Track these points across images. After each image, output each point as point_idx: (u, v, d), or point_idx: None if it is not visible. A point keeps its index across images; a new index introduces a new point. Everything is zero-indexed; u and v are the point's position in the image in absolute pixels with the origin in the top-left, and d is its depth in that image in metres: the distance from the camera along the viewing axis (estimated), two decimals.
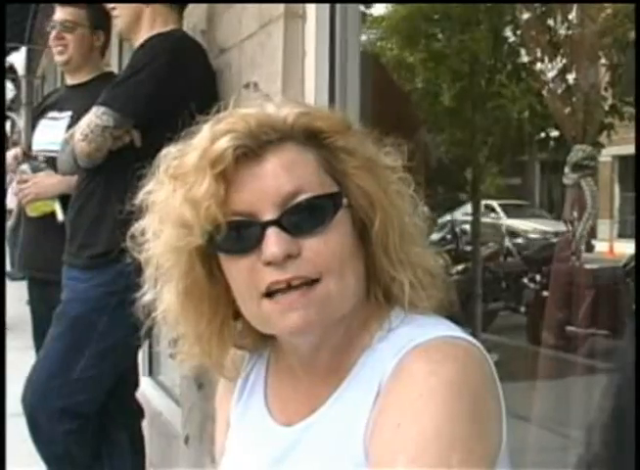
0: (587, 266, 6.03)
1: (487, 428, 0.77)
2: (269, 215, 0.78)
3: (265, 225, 0.78)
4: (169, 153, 0.84)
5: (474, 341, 0.81)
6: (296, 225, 0.78)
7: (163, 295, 0.86)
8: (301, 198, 0.79)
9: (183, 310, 0.86)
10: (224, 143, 0.78)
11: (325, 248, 0.79)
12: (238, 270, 0.81)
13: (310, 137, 0.83)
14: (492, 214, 10.79)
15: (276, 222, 0.78)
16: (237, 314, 0.87)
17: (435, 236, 11.09)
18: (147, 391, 3.58)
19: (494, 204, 11.19)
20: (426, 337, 0.80)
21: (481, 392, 0.78)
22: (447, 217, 9.47)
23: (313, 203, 0.79)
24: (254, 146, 0.80)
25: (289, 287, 0.78)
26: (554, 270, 5.75)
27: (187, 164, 0.81)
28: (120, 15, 2.31)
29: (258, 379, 0.95)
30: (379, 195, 0.83)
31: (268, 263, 0.78)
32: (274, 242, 0.77)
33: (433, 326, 0.82)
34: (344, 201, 0.82)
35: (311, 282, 0.79)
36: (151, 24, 2.26)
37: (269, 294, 0.79)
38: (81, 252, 2.23)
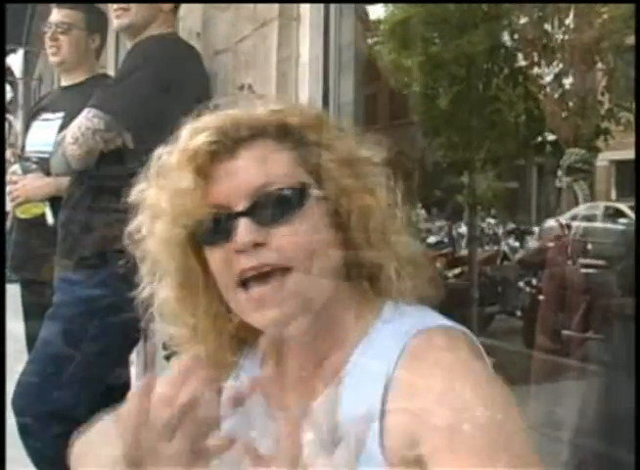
0: (582, 270, 6.04)
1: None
2: (240, 207, 0.84)
3: (236, 216, 0.83)
4: (160, 153, 0.89)
5: (464, 329, 0.87)
6: (264, 215, 0.83)
7: (160, 289, 0.90)
8: (269, 189, 0.84)
9: (179, 304, 0.90)
10: (199, 140, 0.84)
11: (293, 236, 0.83)
12: (216, 260, 0.86)
13: (284, 133, 0.87)
14: (622, 220, 9.21)
15: (245, 213, 0.83)
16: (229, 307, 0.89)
17: (432, 239, 11.10)
18: None
19: (621, 206, 9.68)
20: (424, 325, 0.84)
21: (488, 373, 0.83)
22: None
23: (281, 194, 0.84)
24: (228, 142, 0.85)
25: (262, 276, 0.83)
26: (549, 274, 5.76)
27: (170, 161, 0.86)
28: (135, 12, 2.25)
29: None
30: (355, 188, 0.87)
31: (239, 251, 0.83)
32: (242, 230, 0.82)
33: (425, 316, 0.87)
34: (314, 192, 0.86)
35: (281, 272, 0.83)
36: (153, 26, 2.26)
37: (244, 284, 0.84)
38: (73, 254, 2.22)
